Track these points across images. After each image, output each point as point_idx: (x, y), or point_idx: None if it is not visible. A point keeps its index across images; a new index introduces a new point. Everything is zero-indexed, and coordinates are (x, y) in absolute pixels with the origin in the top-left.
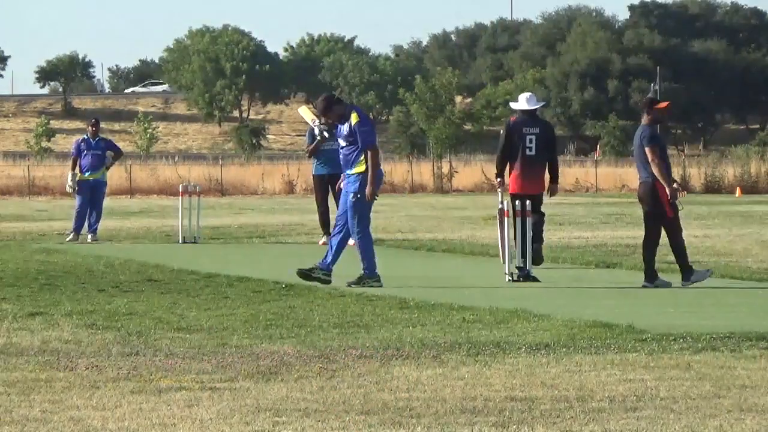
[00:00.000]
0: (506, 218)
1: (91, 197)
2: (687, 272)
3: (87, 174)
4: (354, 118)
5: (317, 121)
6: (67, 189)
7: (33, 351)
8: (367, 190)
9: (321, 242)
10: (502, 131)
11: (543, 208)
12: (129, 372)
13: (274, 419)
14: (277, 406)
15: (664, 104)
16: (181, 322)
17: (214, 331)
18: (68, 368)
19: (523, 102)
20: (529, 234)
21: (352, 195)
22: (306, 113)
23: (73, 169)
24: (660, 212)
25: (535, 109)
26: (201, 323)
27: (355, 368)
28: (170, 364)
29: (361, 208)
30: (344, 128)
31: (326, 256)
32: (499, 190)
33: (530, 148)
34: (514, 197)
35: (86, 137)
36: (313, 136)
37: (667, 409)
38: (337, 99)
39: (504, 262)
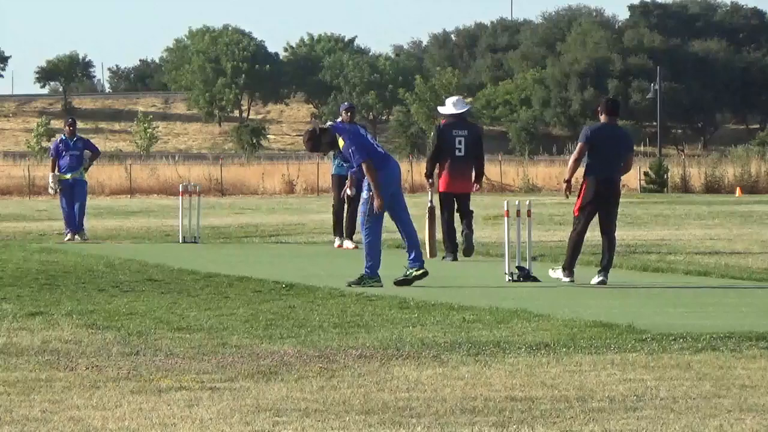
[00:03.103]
0: (506, 218)
1: (72, 196)
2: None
3: (67, 174)
4: (340, 142)
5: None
6: (50, 191)
7: (33, 351)
8: (376, 203)
9: (336, 245)
10: (432, 133)
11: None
12: (129, 372)
13: (274, 419)
14: (277, 406)
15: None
16: (181, 322)
17: (214, 331)
18: (68, 368)
19: (449, 106)
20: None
21: (366, 193)
22: None
23: (53, 170)
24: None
25: (463, 113)
26: (201, 323)
27: (355, 368)
28: (170, 364)
29: (372, 209)
30: (343, 148)
31: (410, 253)
32: (429, 189)
33: (459, 149)
34: (444, 195)
35: (63, 137)
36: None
37: (667, 409)
38: (321, 129)
39: (429, 256)
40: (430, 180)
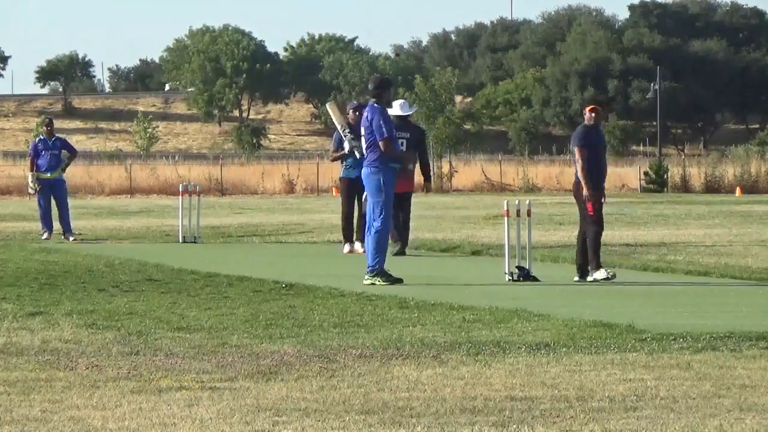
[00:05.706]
0: (506, 218)
1: (53, 197)
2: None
3: (47, 174)
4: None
5: (347, 129)
6: (30, 190)
7: (33, 351)
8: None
9: (346, 250)
10: None
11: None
12: (129, 372)
13: (274, 419)
14: (277, 406)
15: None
16: (181, 322)
17: (214, 330)
18: (68, 368)
19: (396, 108)
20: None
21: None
22: (334, 114)
23: (32, 169)
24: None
25: (409, 116)
26: (201, 323)
27: (355, 368)
28: (170, 363)
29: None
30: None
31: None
32: None
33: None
34: None
35: (42, 137)
36: (340, 142)
37: (667, 409)
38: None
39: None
40: None
